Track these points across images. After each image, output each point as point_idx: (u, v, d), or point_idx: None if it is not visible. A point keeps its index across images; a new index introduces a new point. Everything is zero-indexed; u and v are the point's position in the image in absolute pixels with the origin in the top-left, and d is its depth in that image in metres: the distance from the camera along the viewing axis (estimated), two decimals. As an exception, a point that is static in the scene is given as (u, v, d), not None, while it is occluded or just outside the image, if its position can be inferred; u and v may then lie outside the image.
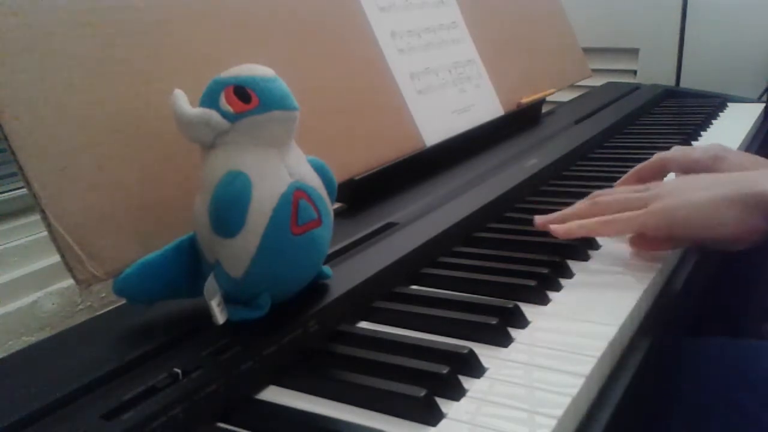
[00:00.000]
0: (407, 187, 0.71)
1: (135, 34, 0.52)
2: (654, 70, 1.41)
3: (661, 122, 1.05)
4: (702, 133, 0.98)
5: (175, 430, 0.35)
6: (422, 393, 0.37)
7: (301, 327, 0.43)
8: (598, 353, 0.42)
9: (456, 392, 0.39)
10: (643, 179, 0.65)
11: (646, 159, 0.67)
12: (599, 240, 0.60)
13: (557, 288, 0.52)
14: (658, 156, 0.66)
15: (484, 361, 0.42)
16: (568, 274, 0.54)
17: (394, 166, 0.71)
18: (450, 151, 0.80)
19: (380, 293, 0.51)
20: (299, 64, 0.66)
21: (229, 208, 0.40)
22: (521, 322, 0.47)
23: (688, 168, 0.64)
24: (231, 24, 0.60)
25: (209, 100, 0.42)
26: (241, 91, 0.41)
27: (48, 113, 0.45)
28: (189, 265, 0.44)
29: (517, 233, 0.61)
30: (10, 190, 0.90)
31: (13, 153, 0.43)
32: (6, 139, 0.43)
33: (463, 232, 0.61)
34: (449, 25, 0.89)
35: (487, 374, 0.41)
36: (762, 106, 1.12)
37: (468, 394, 0.39)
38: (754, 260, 0.88)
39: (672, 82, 1.40)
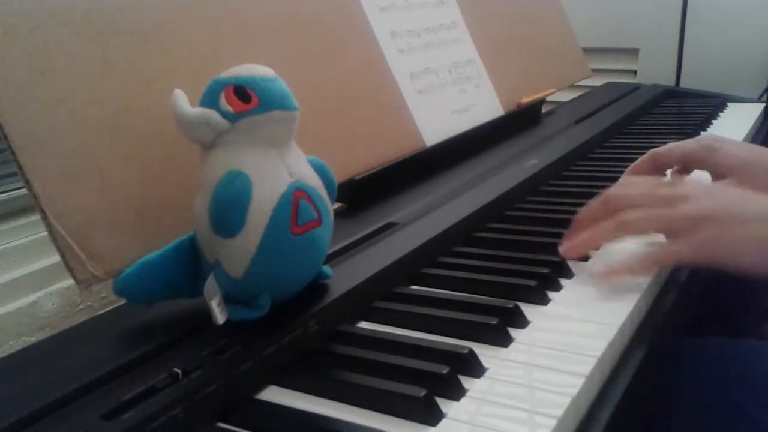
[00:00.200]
0: (407, 187, 0.71)
1: (135, 34, 0.52)
2: (654, 70, 1.41)
3: (661, 122, 1.05)
4: (702, 133, 0.98)
5: (175, 430, 0.35)
6: (422, 393, 0.37)
7: (301, 327, 0.43)
8: (598, 353, 0.42)
9: (456, 392, 0.39)
10: None
11: (646, 159, 0.66)
12: (599, 240, 0.60)
13: (557, 288, 0.52)
14: (652, 152, 0.64)
15: (484, 361, 0.42)
16: (568, 274, 0.54)
17: (394, 166, 0.71)
18: (450, 151, 0.80)
19: (380, 293, 0.51)
20: (299, 64, 0.66)
21: (229, 208, 0.40)
22: (521, 322, 0.47)
23: (683, 161, 0.63)
24: (231, 24, 0.60)
25: (209, 100, 0.42)
26: (241, 91, 0.41)
27: (48, 113, 0.45)
28: (189, 265, 0.44)
29: (517, 233, 0.61)
30: (10, 190, 0.90)
31: (13, 153, 0.43)
32: (6, 139, 0.43)
33: (463, 232, 0.61)
34: (449, 25, 0.89)
35: (487, 374, 0.41)
36: (762, 106, 1.11)
37: (468, 394, 0.39)
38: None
39: (672, 82, 1.40)
